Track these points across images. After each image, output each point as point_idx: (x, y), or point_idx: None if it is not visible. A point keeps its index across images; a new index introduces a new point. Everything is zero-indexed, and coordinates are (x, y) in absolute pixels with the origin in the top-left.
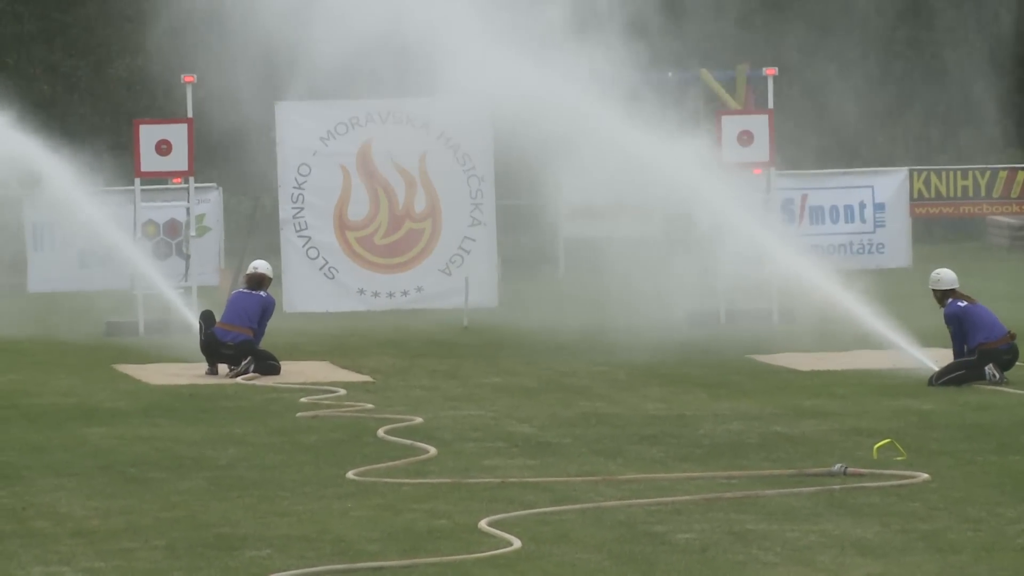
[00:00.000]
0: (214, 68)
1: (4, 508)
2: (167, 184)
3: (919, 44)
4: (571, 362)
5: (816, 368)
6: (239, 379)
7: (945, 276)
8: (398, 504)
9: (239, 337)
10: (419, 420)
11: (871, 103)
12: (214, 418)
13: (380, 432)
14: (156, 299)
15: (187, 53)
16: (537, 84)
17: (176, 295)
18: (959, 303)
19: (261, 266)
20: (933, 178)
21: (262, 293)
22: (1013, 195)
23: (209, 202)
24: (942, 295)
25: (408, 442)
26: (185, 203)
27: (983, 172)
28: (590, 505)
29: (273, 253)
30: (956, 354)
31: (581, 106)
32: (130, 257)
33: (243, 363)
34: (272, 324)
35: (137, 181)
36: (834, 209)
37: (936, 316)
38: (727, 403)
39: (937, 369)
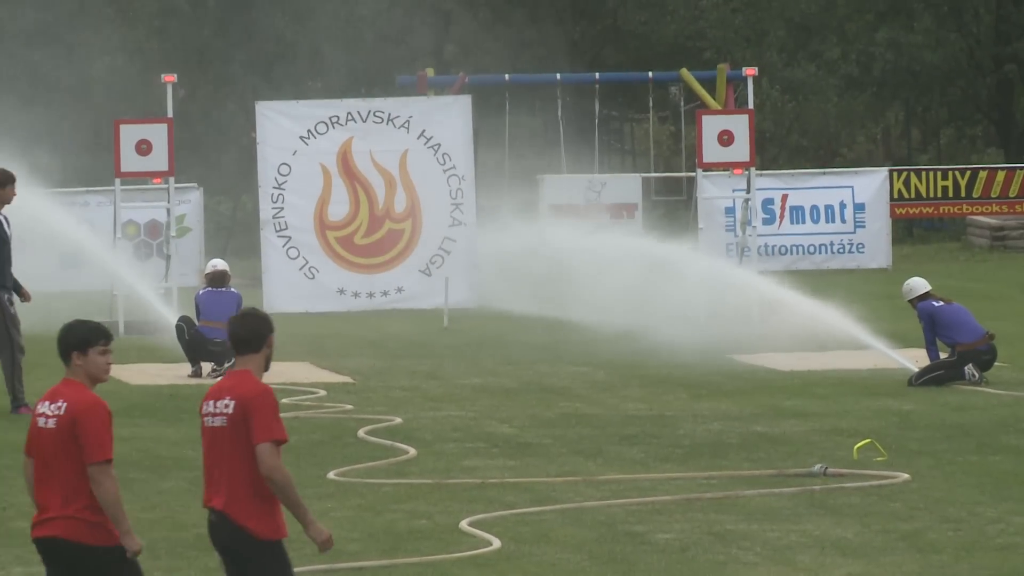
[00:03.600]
0: (195, 67)
1: None
2: (147, 184)
3: (898, 45)
4: (551, 363)
5: (796, 368)
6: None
7: (915, 284)
8: (378, 505)
9: (226, 334)
10: (399, 421)
11: (851, 103)
12: (194, 418)
13: (360, 433)
14: (136, 300)
15: (167, 53)
16: None
17: (154, 295)
18: (934, 302)
19: (220, 263)
20: (913, 178)
21: (232, 289)
22: (993, 195)
23: (189, 203)
24: (918, 300)
25: (388, 443)
26: (165, 203)
27: (963, 172)
28: (570, 505)
29: (253, 253)
30: (928, 350)
31: None
32: (106, 260)
33: (226, 364)
34: None
35: (117, 181)
36: (814, 209)
37: (913, 317)
38: (707, 403)
39: (917, 369)
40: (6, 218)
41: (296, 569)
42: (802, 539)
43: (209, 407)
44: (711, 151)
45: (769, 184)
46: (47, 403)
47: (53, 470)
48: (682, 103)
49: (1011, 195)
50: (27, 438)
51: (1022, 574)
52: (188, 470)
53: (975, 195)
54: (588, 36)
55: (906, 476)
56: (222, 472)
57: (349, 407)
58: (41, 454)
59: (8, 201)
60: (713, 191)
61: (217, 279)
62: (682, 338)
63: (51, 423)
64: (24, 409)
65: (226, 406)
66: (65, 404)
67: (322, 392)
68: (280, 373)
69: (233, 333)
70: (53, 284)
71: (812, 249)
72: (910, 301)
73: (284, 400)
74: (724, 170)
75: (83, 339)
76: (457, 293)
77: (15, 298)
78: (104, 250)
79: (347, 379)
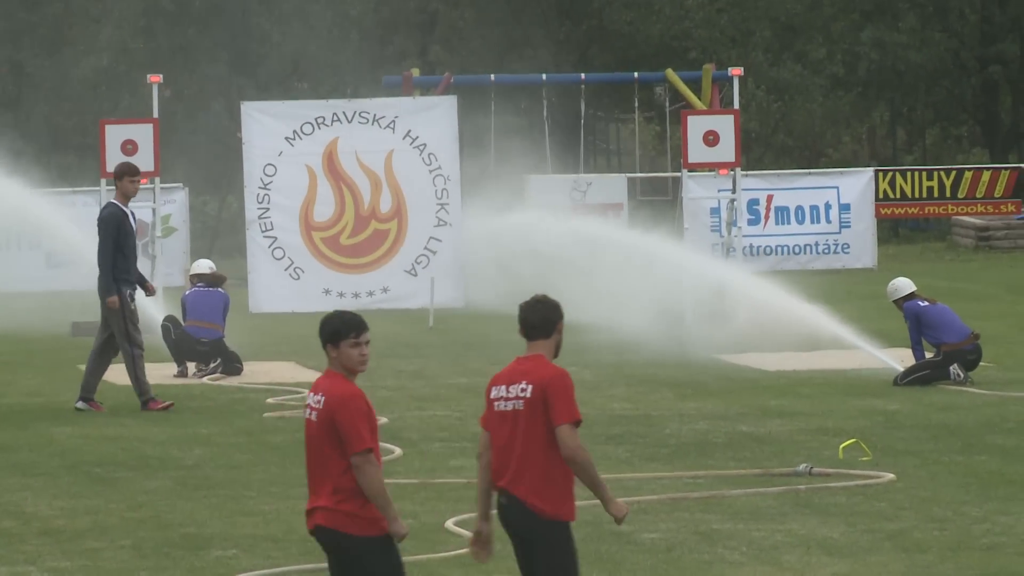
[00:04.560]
0: (181, 67)
1: None
2: None
3: (883, 45)
4: None
5: (782, 368)
6: (205, 379)
7: (900, 284)
8: None
9: (214, 334)
10: (385, 420)
11: (837, 103)
12: (180, 418)
13: None
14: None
15: (153, 53)
16: None
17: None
18: (919, 302)
19: (211, 264)
20: (898, 178)
21: (220, 290)
22: (978, 195)
23: (175, 203)
24: (903, 300)
25: None
26: (151, 203)
27: (948, 172)
28: None
29: (239, 253)
30: (914, 350)
31: None
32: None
33: (212, 364)
34: (238, 324)
35: (103, 181)
36: (799, 210)
37: (898, 317)
38: (693, 403)
39: (902, 369)
40: (131, 212)
41: (281, 568)
42: (788, 539)
43: (501, 391)
44: (696, 151)
45: (754, 184)
46: (312, 395)
47: (318, 461)
48: (667, 103)
49: (996, 195)
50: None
51: (1008, 573)
52: (174, 470)
53: (960, 195)
54: (574, 36)
55: (891, 476)
56: (515, 454)
57: None
58: (308, 445)
59: (131, 194)
60: (698, 191)
61: (216, 280)
62: (668, 338)
63: (314, 416)
64: (153, 404)
65: (523, 390)
66: (324, 397)
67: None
68: (266, 373)
69: (524, 319)
70: (39, 283)
71: (797, 249)
72: (895, 301)
73: (270, 400)
74: (709, 170)
75: (334, 332)
76: (443, 293)
77: (138, 292)
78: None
79: None
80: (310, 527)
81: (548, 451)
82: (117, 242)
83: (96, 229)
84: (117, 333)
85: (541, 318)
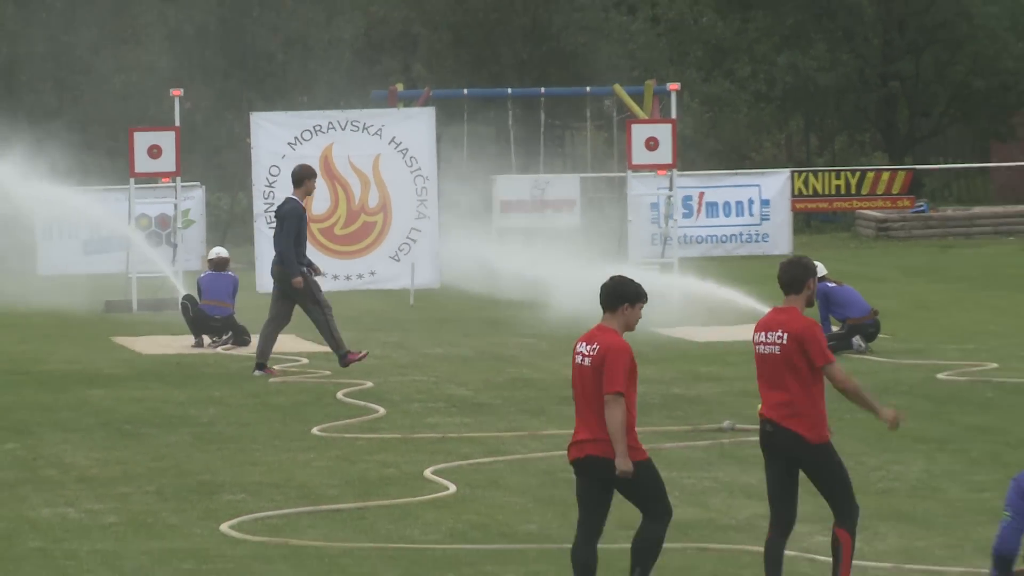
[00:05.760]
0: (199, 83)
1: (17, 458)
2: (157, 183)
3: (796, 69)
4: (502, 335)
5: (710, 339)
6: (219, 349)
7: None
8: (354, 456)
9: (225, 311)
10: (371, 384)
11: (759, 114)
12: (197, 382)
13: (339, 395)
14: (148, 281)
15: (175, 71)
16: None
17: (171, 271)
18: (828, 284)
19: (223, 251)
20: (811, 178)
21: (230, 273)
22: (879, 192)
23: (193, 199)
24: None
25: (362, 403)
26: (173, 199)
27: (854, 173)
28: (517, 456)
29: (248, 242)
30: (823, 324)
31: None
32: (135, 243)
33: (224, 337)
34: (246, 302)
35: (132, 180)
36: (727, 204)
37: None
38: None
39: None
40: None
41: (280, 511)
42: (714, 485)
43: (762, 337)
44: (639, 155)
45: (688, 183)
46: (584, 344)
47: (587, 400)
48: (615, 113)
49: (894, 192)
50: (572, 375)
51: (900, 513)
52: (192, 426)
53: (863, 192)
54: (535, 56)
55: None
56: (777, 390)
57: (328, 373)
58: (578, 387)
59: (310, 192)
60: (641, 189)
61: (221, 264)
62: None
63: (586, 361)
64: (352, 356)
65: (779, 337)
66: (599, 346)
67: (305, 360)
68: None
69: (779, 278)
70: (78, 268)
71: (725, 239)
72: None
73: (274, 367)
74: (650, 171)
75: (637, 294)
76: (422, 276)
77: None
78: (141, 239)
79: (327, 349)
80: (580, 456)
81: (805, 386)
82: (299, 231)
83: (279, 221)
84: (306, 304)
85: (791, 277)
